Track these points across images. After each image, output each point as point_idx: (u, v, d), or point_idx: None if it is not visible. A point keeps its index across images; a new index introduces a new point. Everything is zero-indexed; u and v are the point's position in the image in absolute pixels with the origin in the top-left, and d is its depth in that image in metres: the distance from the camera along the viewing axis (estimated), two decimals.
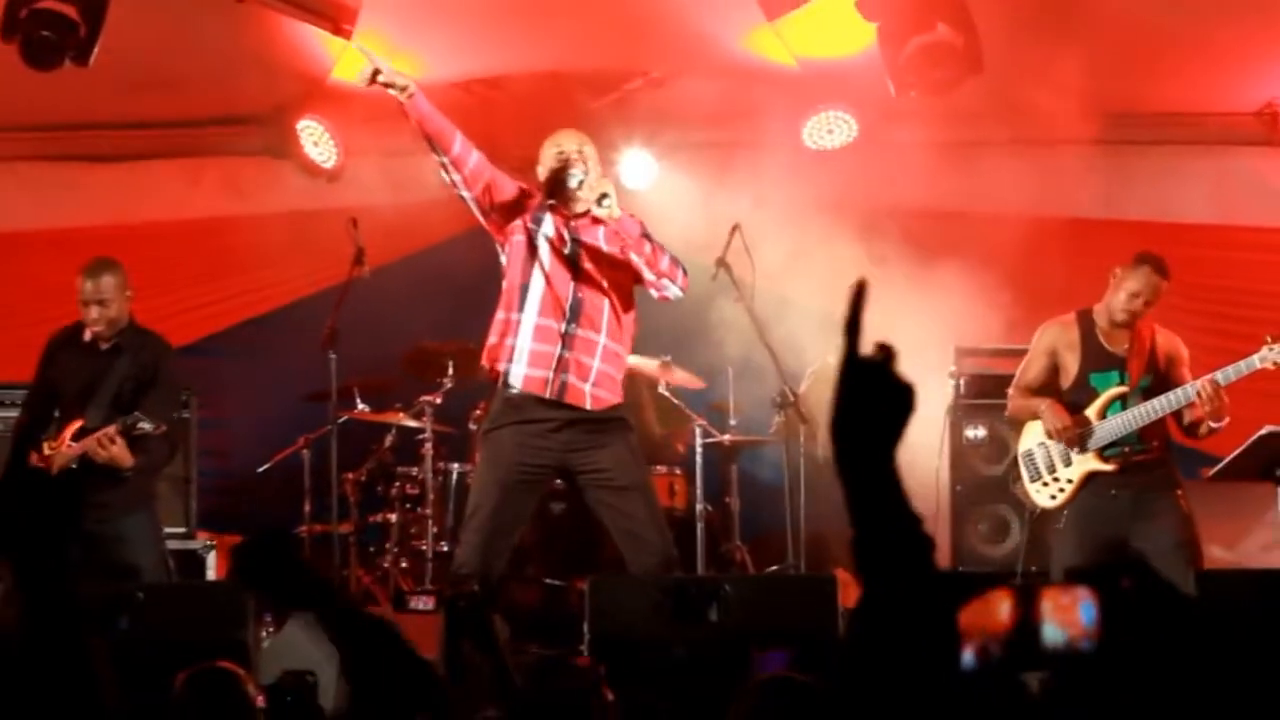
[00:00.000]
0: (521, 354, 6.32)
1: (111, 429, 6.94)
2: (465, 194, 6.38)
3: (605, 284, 6.38)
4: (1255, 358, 6.85)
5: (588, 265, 6.38)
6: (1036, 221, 9.07)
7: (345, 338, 8.00)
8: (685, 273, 6.42)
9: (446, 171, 6.32)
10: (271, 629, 7.64)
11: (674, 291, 6.43)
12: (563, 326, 6.31)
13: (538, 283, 6.34)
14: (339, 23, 8.72)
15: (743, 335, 7.93)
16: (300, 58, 9.14)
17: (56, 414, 7.29)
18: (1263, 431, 7.43)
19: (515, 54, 9.27)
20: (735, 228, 7.83)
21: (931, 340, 8.80)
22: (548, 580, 8.70)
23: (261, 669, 6.38)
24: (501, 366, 6.36)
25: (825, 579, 6.93)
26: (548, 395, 6.28)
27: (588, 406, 6.33)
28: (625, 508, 6.34)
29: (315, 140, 9.63)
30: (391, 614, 7.45)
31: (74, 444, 7.04)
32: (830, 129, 9.53)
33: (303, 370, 8.75)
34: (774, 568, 8.93)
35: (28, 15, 7.72)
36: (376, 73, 6.11)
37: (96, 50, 7.80)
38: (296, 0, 8.64)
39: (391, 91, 6.13)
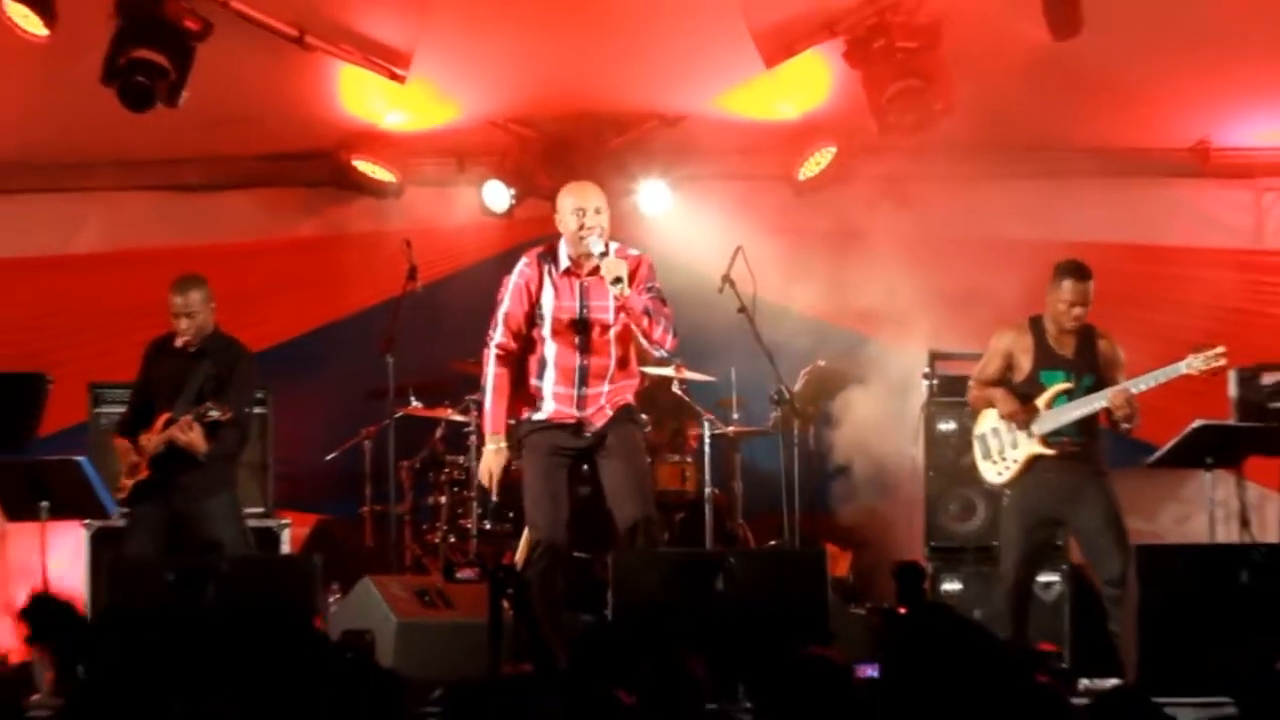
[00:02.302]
0: (546, 410, 7.10)
1: (188, 416, 7.47)
2: None
3: (610, 345, 7.04)
4: (1181, 365, 7.25)
5: (594, 334, 6.99)
6: (999, 244, 9.52)
7: (401, 343, 8.58)
8: (675, 335, 6.93)
9: None
10: (337, 595, 8.31)
11: (660, 354, 7.13)
12: (575, 390, 7.02)
13: (550, 360, 7.04)
14: (394, 68, 9.09)
15: (745, 341, 8.23)
16: (360, 99, 9.51)
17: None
18: (1195, 425, 8.07)
19: (546, 94, 9.61)
20: (739, 249, 8.30)
21: (910, 345, 9.36)
22: (576, 554, 8.92)
23: (330, 631, 7.05)
24: (529, 415, 7.16)
25: (816, 553, 7.53)
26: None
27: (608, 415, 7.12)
28: (615, 469, 7.00)
29: (373, 172, 9.94)
30: (441, 583, 7.93)
31: (162, 433, 7.56)
32: (819, 162, 9.87)
33: (364, 372, 9.17)
34: (772, 543, 9.37)
35: (125, 63, 8.19)
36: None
37: (185, 93, 8.23)
38: (357, 47, 8.97)
39: None
